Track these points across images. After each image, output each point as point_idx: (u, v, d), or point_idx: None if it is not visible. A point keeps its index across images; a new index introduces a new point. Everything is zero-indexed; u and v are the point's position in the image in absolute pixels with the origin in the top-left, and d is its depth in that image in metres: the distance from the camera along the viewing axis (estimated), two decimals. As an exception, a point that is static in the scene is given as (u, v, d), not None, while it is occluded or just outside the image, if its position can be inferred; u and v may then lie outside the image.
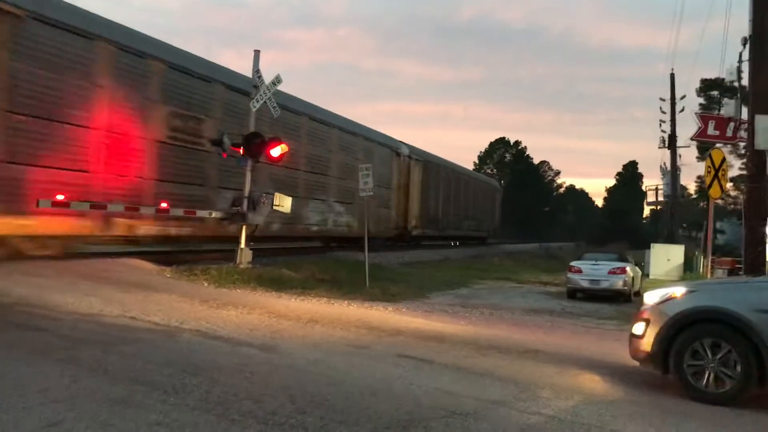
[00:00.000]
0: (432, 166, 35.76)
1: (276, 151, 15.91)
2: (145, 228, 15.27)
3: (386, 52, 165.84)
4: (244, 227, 15.94)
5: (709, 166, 15.24)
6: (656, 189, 45.60)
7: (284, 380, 5.99)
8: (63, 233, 13.58)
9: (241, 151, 15.74)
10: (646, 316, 7.10)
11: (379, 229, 26.53)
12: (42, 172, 12.73)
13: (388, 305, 12.68)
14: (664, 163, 38.02)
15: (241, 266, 15.36)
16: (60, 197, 12.73)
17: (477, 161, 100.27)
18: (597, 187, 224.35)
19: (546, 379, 6.89)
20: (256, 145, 15.63)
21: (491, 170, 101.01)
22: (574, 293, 18.27)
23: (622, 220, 77.86)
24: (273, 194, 16.87)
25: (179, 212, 15.55)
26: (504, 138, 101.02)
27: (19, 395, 4.89)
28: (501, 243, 51.88)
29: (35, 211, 12.37)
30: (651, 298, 7.32)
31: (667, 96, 35.24)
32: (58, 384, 5.25)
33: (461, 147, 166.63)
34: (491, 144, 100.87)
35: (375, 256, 20.74)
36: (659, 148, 35.96)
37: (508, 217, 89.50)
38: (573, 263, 19.12)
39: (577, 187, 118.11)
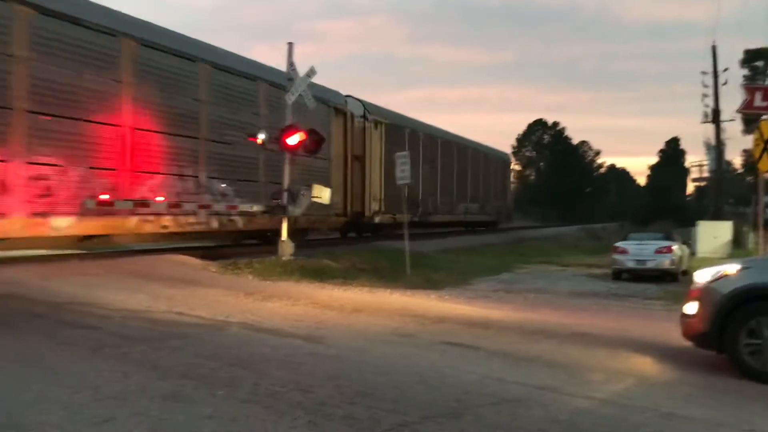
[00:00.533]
0: (402, 132, 27.32)
1: (293, 140, 15.73)
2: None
3: (418, 39, 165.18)
4: (285, 220, 16.02)
5: (758, 139, 14.74)
6: (700, 165, 44.56)
7: (331, 370, 5.99)
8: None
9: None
10: (698, 295, 6.91)
11: (311, 218, 19.29)
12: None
13: (430, 293, 12.63)
14: (708, 139, 37.11)
15: (284, 258, 15.46)
16: (104, 197, 12.98)
17: (515, 144, 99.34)
18: (638, 165, 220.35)
19: (596, 363, 6.77)
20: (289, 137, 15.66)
21: (530, 153, 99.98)
22: (620, 274, 17.96)
23: (666, 198, 76.19)
24: (311, 186, 16.93)
25: (221, 207, 15.74)
26: (541, 119, 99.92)
27: (74, 392, 4.98)
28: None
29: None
30: (702, 276, 7.11)
31: (709, 69, 34.33)
32: (110, 380, 5.34)
33: (498, 131, 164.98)
34: (529, 126, 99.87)
35: (415, 244, 20.65)
36: (702, 123, 35.12)
37: (549, 200, 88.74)
38: (618, 244, 18.80)
39: (618, 166, 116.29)
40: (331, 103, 21.62)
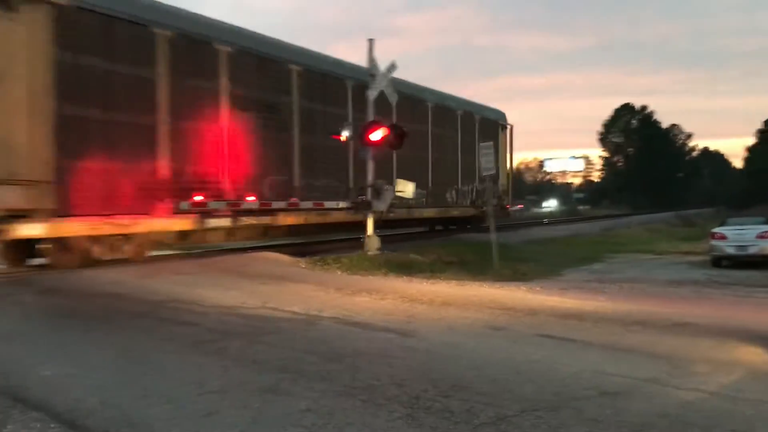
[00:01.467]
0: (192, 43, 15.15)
1: (376, 135, 15.75)
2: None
3: (498, 28, 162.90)
4: (370, 215, 16.14)
5: None
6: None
7: (424, 364, 5.97)
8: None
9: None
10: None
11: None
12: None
13: (520, 284, 12.40)
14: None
15: (370, 253, 15.58)
16: (198, 198, 13.46)
17: (602, 130, 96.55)
18: (734, 147, 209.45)
19: (700, 354, 6.46)
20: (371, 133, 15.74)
21: (617, 138, 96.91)
22: (719, 261, 17.17)
23: (766, 181, 72.13)
24: (396, 181, 16.99)
25: (309, 204, 16.06)
26: (629, 104, 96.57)
27: (178, 386, 5.17)
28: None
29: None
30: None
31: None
32: (211, 374, 5.50)
33: (583, 117, 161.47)
34: (616, 111, 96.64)
35: (501, 236, 20.37)
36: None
37: (638, 187, 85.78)
38: (716, 229, 17.98)
39: (712, 149, 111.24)
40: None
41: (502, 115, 28.87)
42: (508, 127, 29.09)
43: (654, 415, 4.55)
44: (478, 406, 4.69)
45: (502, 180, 28.48)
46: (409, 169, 20.19)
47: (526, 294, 10.95)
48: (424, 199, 22.01)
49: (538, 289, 11.79)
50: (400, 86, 18.70)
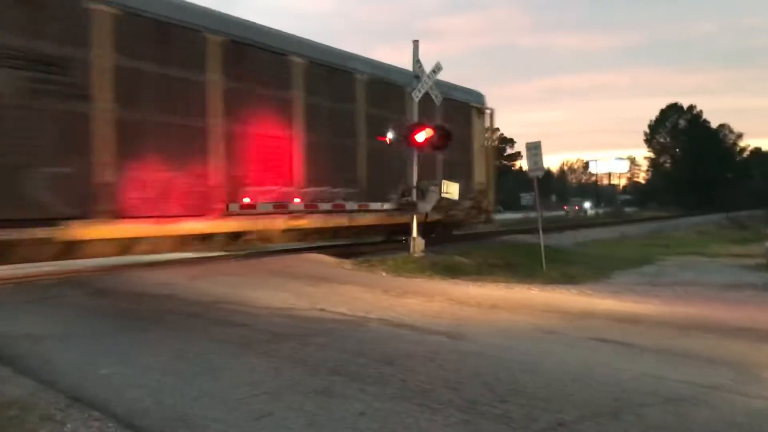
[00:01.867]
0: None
1: (420, 136, 15.67)
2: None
3: (542, 28, 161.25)
4: (415, 217, 16.06)
5: None
6: None
7: (477, 368, 5.87)
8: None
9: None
10: None
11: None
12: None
13: (569, 287, 12.17)
14: None
15: (415, 255, 15.50)
16: (246, 200, 13.64)
17: (647, 131, 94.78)
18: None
19: (766, 360, 6.21)
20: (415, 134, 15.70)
21: (663, 139, 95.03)
22: (777, 265, 16.57)
23: (822, 182, 69.78)
24: (441, 182, 16.87)
25: (354, 206, 16.10)
26: (676, 103, 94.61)
27: (232, 387, 5.17)
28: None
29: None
30: None
31: None
32: (263, 376, 5.50)
33: (628, 118, 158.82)
34: (662, 111, 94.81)
35: (547, 238, 20.10)
36: None
37: (687, 188, 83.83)
38: (772, 232, 17.38)
39: (764, 149, 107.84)
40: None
41: (478, 97, 23.44)
42: (488, 111, 23.75)
43: (723, 424, 4.37)
44: (536, 411, 4.58)
45: (479, 177, 23.37)
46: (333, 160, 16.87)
47: (576, 297, 10.74)
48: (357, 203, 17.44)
49: (589, 292, 11.55)
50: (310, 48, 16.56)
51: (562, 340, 7.13)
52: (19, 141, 10.57)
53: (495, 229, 27.91)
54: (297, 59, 15.70)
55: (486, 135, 24.09)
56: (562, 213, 63.90)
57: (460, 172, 20.83)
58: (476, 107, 23.30)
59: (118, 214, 11.89)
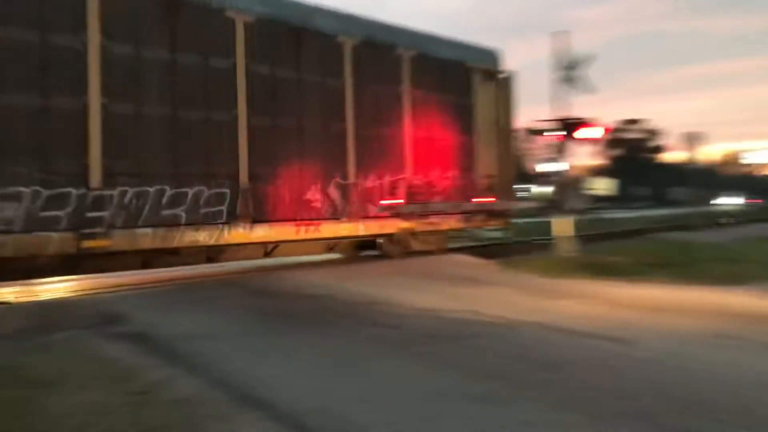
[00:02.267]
0: None
1: (583, 134, 15.06)
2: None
3: (688, 12, 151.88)
4: (566, 215, 15.52)
5: None
6: None
7: (647, 375, 5.45)
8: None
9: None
10: None
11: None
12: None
13: (735, 288, 11.18)
14: None
15: (563, 255, 14.96)
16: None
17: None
18: None
19: None
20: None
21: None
22: None
23: None
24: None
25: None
26: None
27: (390, 390, 5.13)
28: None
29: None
30: None
31: None
32: (421, 379, 5.41)
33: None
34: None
35: (703, 235, 18.77)
36: None
37: None
38: None
39: None
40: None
41: (485, 55, 17.22)
42: (502, 76, 17.50)
43: None
44: (727, 427, 4.15)
45: (485, 167, 16.91)
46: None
47: (747, 298, 9.83)
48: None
49: (757, 293, 10.57)
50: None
51: (743, 346, 6.49)
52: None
53: (643, 227, 26.51)
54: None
55: (500, 108, 17.42)
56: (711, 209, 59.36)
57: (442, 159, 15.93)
58: (481, 69, 16.92)
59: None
